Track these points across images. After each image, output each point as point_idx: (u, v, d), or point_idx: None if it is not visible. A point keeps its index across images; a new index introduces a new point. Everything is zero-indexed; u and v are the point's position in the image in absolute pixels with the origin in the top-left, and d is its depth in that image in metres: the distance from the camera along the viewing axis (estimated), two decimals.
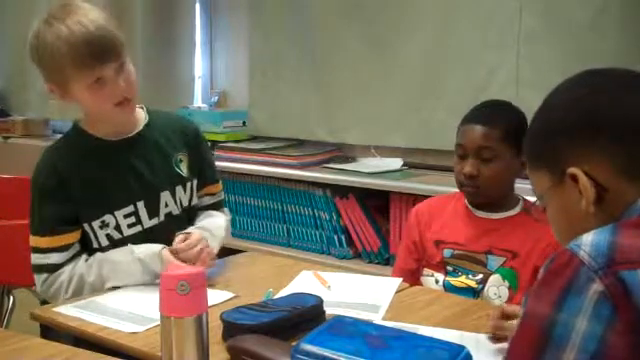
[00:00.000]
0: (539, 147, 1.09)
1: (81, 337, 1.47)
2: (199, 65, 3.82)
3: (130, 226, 1.77)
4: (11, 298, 2.31)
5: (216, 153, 3.33)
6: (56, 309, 1.58)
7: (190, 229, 1.79)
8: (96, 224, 1.74)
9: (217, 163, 3.15)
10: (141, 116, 1.85)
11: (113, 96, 1.68)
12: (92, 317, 1.52)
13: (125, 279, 1.70)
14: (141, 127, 1.83)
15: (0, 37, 4.40)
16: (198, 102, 3.86)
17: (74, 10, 1.64)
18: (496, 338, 1.40)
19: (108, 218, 1.75)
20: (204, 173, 1.93)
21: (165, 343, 1.21)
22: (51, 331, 1.57)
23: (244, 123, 3.53)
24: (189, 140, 1.89)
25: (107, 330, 1.46)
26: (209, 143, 2.06)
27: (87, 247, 1.76)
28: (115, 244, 1.75)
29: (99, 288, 1.70)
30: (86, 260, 1.73)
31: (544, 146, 1.08)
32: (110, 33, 1.65)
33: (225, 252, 2.03)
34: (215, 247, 1.82)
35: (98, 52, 1.62)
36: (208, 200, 1.96)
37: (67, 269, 1.71)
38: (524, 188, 2.37)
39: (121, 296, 1.65)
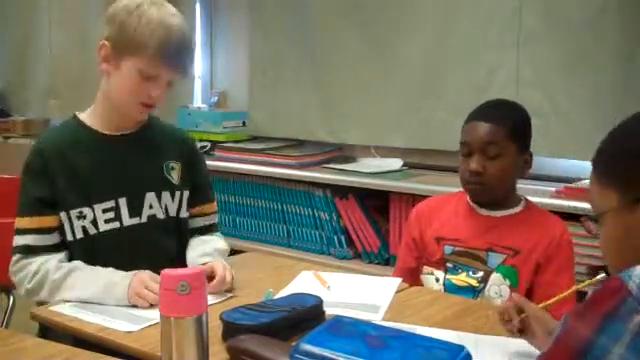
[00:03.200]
0: (617, 168, 1.07)
1: (80, 337, 1.47)
2: (199, 65, 3.82)
3: (107, 221, 1.74)
4: (11, 298, 2.30)
5: (216, 153, 3.33)
6: (55, 309, 1.58)
7: (208, 261, 1.75)
8: (73, 214, 1.72)
9: (217, 163, 3.19)
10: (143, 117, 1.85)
11: (147, 95, 1.71)
12: (88, 316, 1.52)
13: (85, 288, 1.63)
14: (138, 127, 1.83)
15: (0, 37, 4.40)
16: (198, 102, 3.86)
17: (179, 17, 1.73)
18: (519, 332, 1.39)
19: (86, 210, 1.72)
20: (198, 191, 1.89)
21: (165, 343, 1.21)
22: (50, 331, 1.57)
23: (244, 123, 3.53)
24: (184, 153, 1.87)
25: (106, 330, 1.46)
26: (206, 160, 2.01)
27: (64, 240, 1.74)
28: (90, 238, 1.72)
29: (55, 292, 1.64)
30: (61, 261, 1.69)
31: (623, 169, 1.05)
32: (192, 54, 1.80)
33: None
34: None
35: (178, 59, 1.71)
36: (201, 222, 1.91)
37: (39, 260, 1.68)
38: (525, 188, 2.38)
39: None
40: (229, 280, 1.70)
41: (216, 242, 1.89)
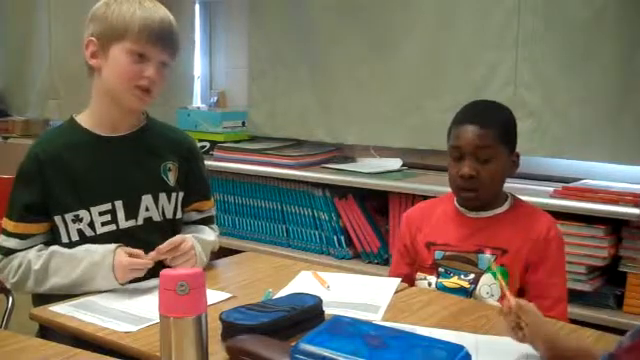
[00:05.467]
0: None
1: (80, 337, 1.47)
2: (198, 65, 3.82)
3: (104, 224, 1.75)
4: (10, 298, 2.30)
5: (215, 153, 3.33)
6: (54, 309, 1.58)
7: (185, 236, 1.78)
8: (69, 217, 1.73)
9: (216, 163, 3.19)
10: (140, 119, 1.86)
11: (141, 76, 1.72)
12: (87, 316, 1.53)
13: (70, 273, 1.68)
14: (136, 129, 1.83)
15: (0, 37, 4.40)
16: (197, 102, 3.86)
17: (162, 6, 1.79)
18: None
19: (83, 213, 1.74)
20: (193, 188, 1.90)
21: (164, 343, 1.21)
22: (50, 331, 1.57)
23: (243, 123, 3.54)
24: (182, 152, 1.88)
25: (106, 330, 1.46)
26: (204, 159, 2.02)
27: (56, 243, 1.75)
28: (86, 241, 1.73)
29: (41, 280, 1.70)
30: (40, 250, 1.73)
31: None
32: (179, 39, 1.80)
33: (224, 252, 2.03)
34: (202, 261, 1.81)
35: (163, 36, 1.74)
36: (196, 216, 1.94)
37: (20, 254, 1.73)
38: (524, 188, 2.38)
39: (117, 296, 1.65)
40: (185, 247, 1.72)
41: (203, 232, 1.90)
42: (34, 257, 1.71)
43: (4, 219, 1.77)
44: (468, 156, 1.79)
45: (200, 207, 1.94)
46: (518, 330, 1.35)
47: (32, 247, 1.74)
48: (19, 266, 1.72)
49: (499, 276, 1.46)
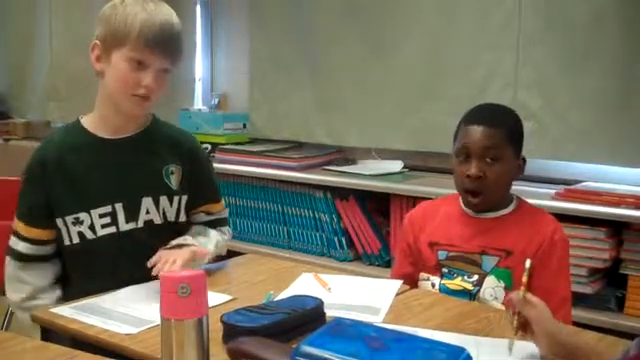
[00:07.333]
0: None
1: (81, 339, 1.47)
2: (199, 67, 3.82)
3: (104, 226, 1.75)
4: None
5: (217, 155, 3.33)
6: (55, 311, 1.58)
7: (179, 241, 1.77)
8: (69, 219, 1.74)
9: (218, 165, 3.18)
10: (145, 120, 1.85)
11: (138, 84, 1.70)
12: (88, 318, 1.53)
13: None
14: (139, 130, 1.83)
15: (1, 39, 4.40)
16: (199, 104, 3.86)
17: (167, 8, 1.76)
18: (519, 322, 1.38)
19: (83, 216, 1.74)
20: (200, 191, 1.89)
21: (165, 345, 1.21)
22: (51, 333, 1.57)
23: (244, 125, 3.54)
24: (185, 155, 1.86)
25: (107, 332, 1.46)
26: (211, 161, 2.02)
27: (60, 245, 1.77)
28: (87, 243, 1.75)
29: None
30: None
31: None
32: (181, 44, 1.77)
33: (225, 254, 2.03)
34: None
35: (163, 43, 1.70)
36: (205, 217, 1.92)
37: (35, 284, 1.75)
38: (526, 190, 2.37)
39: (118, 298, 1.65)
40: (164, 266, 1.66)
41: (206, 234, 1.89)
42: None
43: (15, 220, 1.78)
44: (475, 156, 1.80)
45: (208, 210, 1.93)
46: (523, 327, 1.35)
47: (43, 257, 1.76)
48: (28, 298, 1.75)
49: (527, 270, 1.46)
